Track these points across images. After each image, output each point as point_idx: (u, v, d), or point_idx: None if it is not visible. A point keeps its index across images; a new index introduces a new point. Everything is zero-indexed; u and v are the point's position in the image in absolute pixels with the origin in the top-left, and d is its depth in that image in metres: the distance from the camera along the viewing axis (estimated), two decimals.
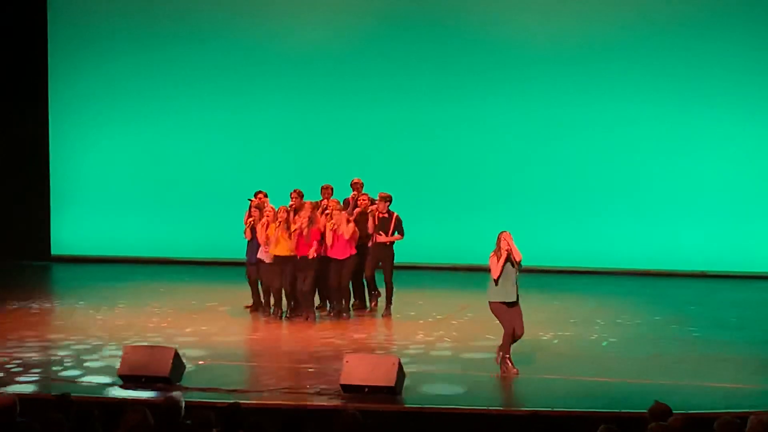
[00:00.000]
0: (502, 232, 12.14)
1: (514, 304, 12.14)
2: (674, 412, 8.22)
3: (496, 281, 12.10)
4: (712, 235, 19.01)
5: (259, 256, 15.13)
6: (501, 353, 12.06)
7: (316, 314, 15.14)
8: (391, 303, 15.47)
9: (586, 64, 19.35)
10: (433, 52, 19.79)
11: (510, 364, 12.04)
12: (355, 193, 15.72)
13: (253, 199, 15.54)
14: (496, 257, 12.08)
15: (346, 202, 15.72)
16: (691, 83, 19.06)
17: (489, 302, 12.19)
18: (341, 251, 14.89)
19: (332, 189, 15.71)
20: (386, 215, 15.31)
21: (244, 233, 15.44)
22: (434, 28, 19.75)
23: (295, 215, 14.94)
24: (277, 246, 14.88)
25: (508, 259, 12.06)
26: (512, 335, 12.11)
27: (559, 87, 19.43)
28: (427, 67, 19.82)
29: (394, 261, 15.48)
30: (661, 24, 19.12)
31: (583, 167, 19.43)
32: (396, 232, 15.36)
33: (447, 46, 19.74)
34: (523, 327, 12.19)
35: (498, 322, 12.19)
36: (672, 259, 19.12)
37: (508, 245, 12.04)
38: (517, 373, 11.90)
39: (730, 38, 18.91)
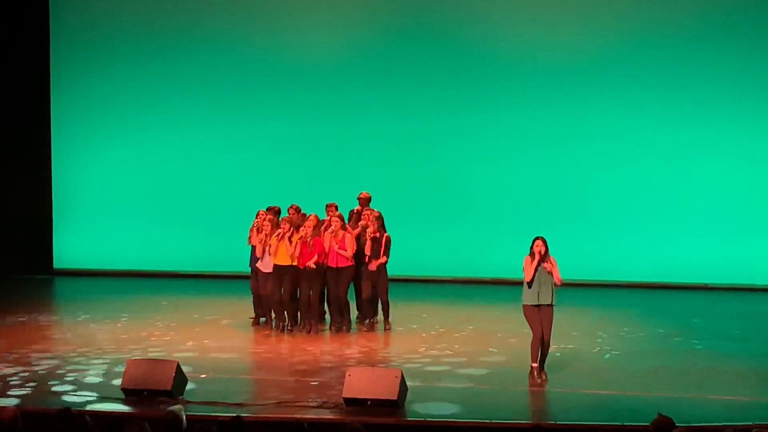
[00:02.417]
0: (536, 238, 12.23)
1: (546, 308, 12.19)
2: (677, 424, 8.21)
3: (529, 284, 12.15)
4: (714, 248, 18.99)
5: (257, 266, 15.12)
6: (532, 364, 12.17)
7: (318, 327, 15.11)
8: (388, 317, 15.41)
9: (589, 76, 19.35)
10: (436, 65, 19.80)
11: (535, 374, 12.07)
12: (359, 207, 15.69)
13: (263, 210, 15.51)
14: (530, 259, 12.14)
15: (351, 214, 15.74)
16: (693, 95, 19.07)
17: (522, 305, 12.27)
18: (337, 260, 14.87)
19: (336, 206, 15.68)
20: (377, 235, 15.24)
21: (249, 239, 15.41)
22: (437, 42, 19.76)
23: (294, 230, 14.94)
24: (276, 256, 14.88)
25: (541, 262, 12.10)
26: (540, 341, 12.14)
27: (561, 99, 19.43)
28: (430, 79, 19.81)
29: (389, 274, 15.43)
30: (664, 35, 19.12)
31: (585, 180, 19.43)
32: (384, 254, 15.29)
33: (449, 59, 19.75)
34: (550, 332, 12.25)
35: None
36: (675, 271, 19.09)
37: (542, 252, 12.13)
38: (541, 384, 11.95)
39: (735, 48, 18.91)
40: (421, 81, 19.85)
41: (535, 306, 12.22)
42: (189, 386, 11.60)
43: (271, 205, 15.77)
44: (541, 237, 12.28)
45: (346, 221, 15.36)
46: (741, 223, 18.99)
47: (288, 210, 15.32)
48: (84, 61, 20.77)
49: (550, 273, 12.21)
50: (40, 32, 20.74)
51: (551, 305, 12.28)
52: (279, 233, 14.83)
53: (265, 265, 15.03)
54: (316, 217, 15.07)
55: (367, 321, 15.40)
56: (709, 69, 19.01)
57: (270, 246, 14.90)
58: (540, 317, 12.22)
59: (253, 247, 15.36)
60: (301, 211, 15.37)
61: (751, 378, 12.44)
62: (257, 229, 15.26)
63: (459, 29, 19.74)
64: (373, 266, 15.11)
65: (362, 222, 15.35)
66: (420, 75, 19.86)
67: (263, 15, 20.46)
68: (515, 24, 19.65)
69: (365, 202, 15.77)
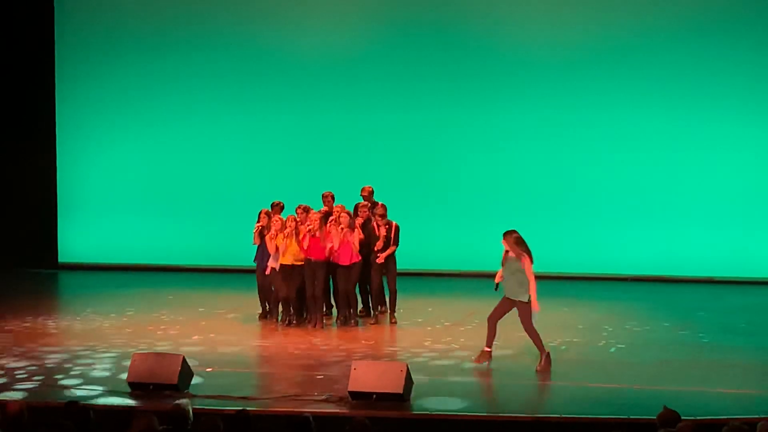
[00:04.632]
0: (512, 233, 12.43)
1: (515, 302, 12.45)
2: (683, 418, 8.22)
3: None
4: (719, 241, 18.97)
5: (269, 263, 15.13)
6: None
7: (324, 321, 15.12)
8: (395, 310, 15.46)
9: (594, 69, 19.31)
10: (440, 58, 19.77)
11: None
12: (367, 202, 15.71)
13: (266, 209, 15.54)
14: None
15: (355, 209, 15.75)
16: (698, 87, 19.03)
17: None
18: (347, 257, 14.89)
19: (333, 196, 15.71)
20: (385, 227, 15.29)
21: (253, 239, 15.43)
22: (441, 35, 19.71)
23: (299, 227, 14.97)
24: (284, 255, 14.89)
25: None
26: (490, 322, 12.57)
27: (567, 92, 19.40)
28: (434, 72, 19.78)
29: (397, 267, 15.47)
30: (668, 27, 19.09)
31: (590, 173, 19.40)
32: (393, 242, 15.33)
33: (453, 51, 19.72)
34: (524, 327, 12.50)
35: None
36: (680, 264, 19.07)
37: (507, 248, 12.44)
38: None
39: (739, 41, 18.88)
40: (426, 74, 19.80)
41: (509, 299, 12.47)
42: (195, 380, 11.62)
43: (275, 200, 15.76)
44: (508, 232, 12.44)
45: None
46: (746, 215, 18.96)
47: (296, 210, 15.28)
48: (89, 54, 20.75)
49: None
50: (46, 25, 20.72)
51: (521, 301, 12.36)
52: (286, 232, 14.85)
53: (276, 262, 15.04)
54: (315, 213, 15.08)
55: (373, 313, 15.43)
56: (715, 61, 18.97)
57: (278, 245, 14.91)
58: (509, 308, 12.48)
59: (257, 247, 15.39)
60: (310, 210, 15.32)
61: (757, 371, 12.44)
62: (263, 228, 15.26)
63: (463, 22, 19.71)
64: (380, 259, 15.15)
65: (359, 220, 15.35)
66: (425, 67, 19.81)
67: (267, 9, 20.44)
68: (519, 16, 19.61)
69: (369, 196, 15.78)
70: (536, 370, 12.29)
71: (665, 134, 19.20)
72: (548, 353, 12.44)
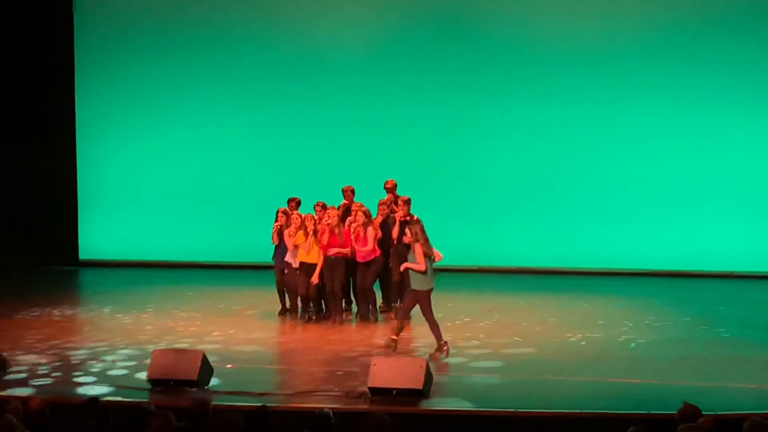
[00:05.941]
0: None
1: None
2: (703, 413, 8.20)
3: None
4: (740, 235, 18.92)
5: (287, 259, 15.16)
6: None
7: (343, 317, 15.14)
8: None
9: (610, 65, 19.30)
10: (453, 54, 19.80)
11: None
12: (390, 196, 15.69)
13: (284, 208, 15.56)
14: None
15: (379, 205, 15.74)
16: (709, 82, 19.01)
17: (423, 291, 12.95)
18: (364, 255, 14.90)
19: (353, 190, 15.73)
20: (407, 219, 15.28)
21: (272, 238, 15.46)
22: (457, 29, 19.75)
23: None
24: (302, 253, 14.91)
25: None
26: None
27: (582, 88, 19.39)
28: (448, 67, 19.80)
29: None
30: (675, 25, 19.07)
31: (610, 168, 19.38)
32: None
33: (466, 47, 19.75)
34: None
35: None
36: (700, 259, 19.03)
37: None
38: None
39: (744, 37, 18.84)
40: (439, 69, 19.84)
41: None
42: (215, 376, 11.64)
43: (292, 196, 15.78)
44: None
45: (373, 214, 15.37)
46: (766, 209, 18.90)
47: (314, 207, 15.30)
48: (107, 54, 20.84)
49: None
50: (65, 24, 20.83)
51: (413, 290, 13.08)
52: (305, 230, 14.89)
53: (295, 260, 15.07)
54: (333, 208, 15.11)
55: (395, 305, 15.41)
56: (731, 55, 18.93)
57: (297, 243, 14.95)
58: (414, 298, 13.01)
59: (276, 245, 15.42)
60: (327, 207, 15.34)
61: None
62: (281, 227, 15.29)
63: (480, 16, 19.71)
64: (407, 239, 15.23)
65: (379, 218, 15.31)
66: (438, 62, 19.84)
67: (282, 6, 20.49)
68: (535, 10, 19.60)
69: (392, 189, 15.78)
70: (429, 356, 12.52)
71: (685, 128, 19.16)
72: (446, 343, 12.81)
